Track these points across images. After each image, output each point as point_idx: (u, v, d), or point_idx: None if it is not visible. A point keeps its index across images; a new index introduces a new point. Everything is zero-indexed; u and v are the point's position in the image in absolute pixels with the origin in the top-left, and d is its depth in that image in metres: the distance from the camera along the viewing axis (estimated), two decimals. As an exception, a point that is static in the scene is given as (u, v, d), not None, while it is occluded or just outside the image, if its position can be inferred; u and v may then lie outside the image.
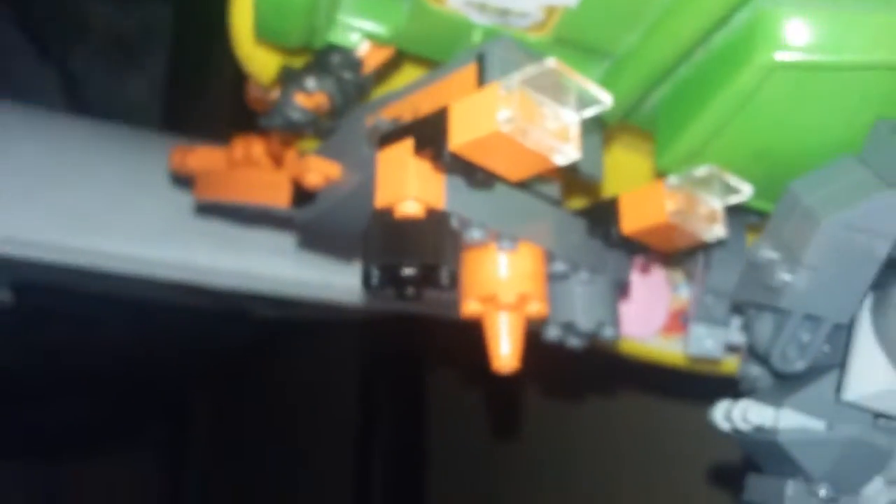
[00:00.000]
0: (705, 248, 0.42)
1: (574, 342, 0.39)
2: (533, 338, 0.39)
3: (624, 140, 0.43)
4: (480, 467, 1.06)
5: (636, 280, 0.49)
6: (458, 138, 0.29)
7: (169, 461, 1.65)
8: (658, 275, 0.49)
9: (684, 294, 0.49)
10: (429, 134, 0.30)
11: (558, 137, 0.30)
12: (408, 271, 0.30)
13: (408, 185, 0.31)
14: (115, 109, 1.19)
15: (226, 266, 0.59)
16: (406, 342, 1.14)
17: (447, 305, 0.37)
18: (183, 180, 0.50)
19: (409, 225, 0.30)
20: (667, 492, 0.75)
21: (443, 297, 0.35)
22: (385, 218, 0.31)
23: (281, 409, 1.41)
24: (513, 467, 1.00)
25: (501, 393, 0.98)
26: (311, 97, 0.37)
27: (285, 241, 0.58)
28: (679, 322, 0.49)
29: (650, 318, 0.49)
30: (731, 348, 0.43)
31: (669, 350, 0.48)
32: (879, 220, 0.31)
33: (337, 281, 0.58)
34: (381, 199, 0.31)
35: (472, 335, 0.37)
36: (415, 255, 0.30)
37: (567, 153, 0.30)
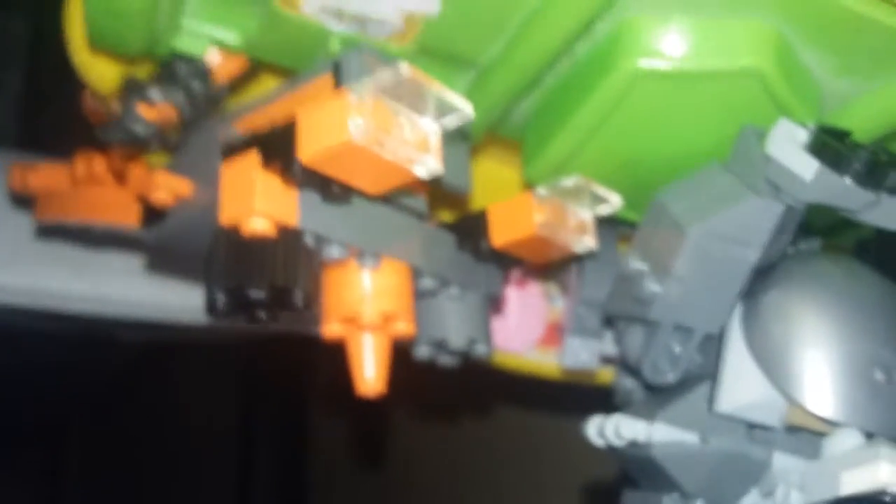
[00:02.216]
0: (578, 259, 0.41)
1: (446, 360, 0.38)
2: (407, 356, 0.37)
3: (496, 153, 0.42)
4: (361, 491, 1.04)
5: (513, 294, 0.48)
6: (308, 150, 0.27)
7: (43, 489, 1.57)
8: (535, 288, 0.48)
9: (560, 306, 0.48)
10: (277, 146, 0.28)
11: (418, 148, 0.28)
12: (255, 294, 0.28)
13: (255, 201, 0.28)
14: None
15: (78, 291, 0.55)
16: (286, 364, 1.11)
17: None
18: (25, 200, 0.46)
19: (257, 243, 0.28)
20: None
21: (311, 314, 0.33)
22: (231, 236, 0.28)
23: (158, 434, 1.35)
24: (395, 490, 0.98)
25: (381, 414, 0.97)
26: (155, 109, 0.34)
27: (139, 263, 0.54)
28: (556, 334, 0.48)
29: (527, 332, 0.48)
30: (606, 359, 0.42)
31: (546, 363, 0.47)
32: (745, 227, 0.31)
33: (198, 303, 0.55)
34: (226, 216, 0.29)
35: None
36: (264, 277, 0.28)
37: (428, 165, 0.28)
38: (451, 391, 0.64)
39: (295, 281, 0.29)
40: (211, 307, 0.28)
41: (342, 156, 0.27)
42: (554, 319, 0.48)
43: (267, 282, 0.28)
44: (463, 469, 0.87)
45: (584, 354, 0.42)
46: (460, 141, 0.35)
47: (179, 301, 0.55)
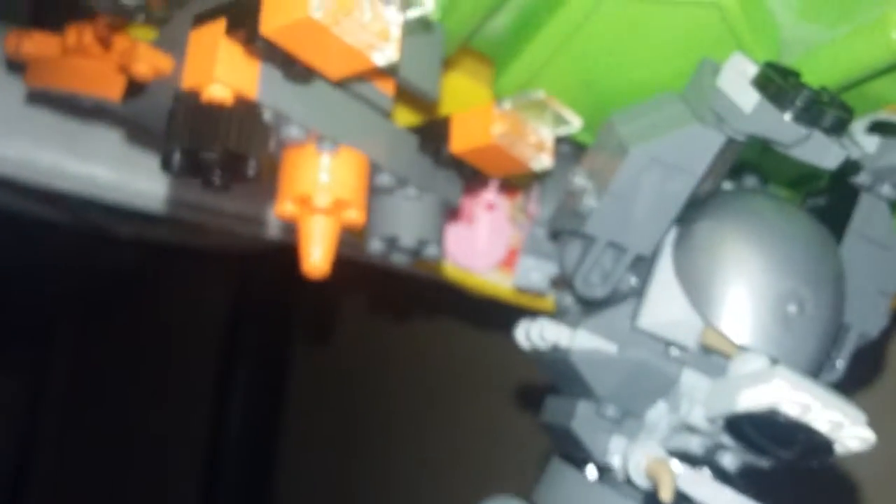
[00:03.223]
0: (541, 181, 0.43)
1: (398, 258, 0.39)
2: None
3: (472, 68, 0.43)
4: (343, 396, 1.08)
5: (483, 216, 0.49)
6: (270, 22, 0.29)
7: (30, 386, 1.60)
8: (502, 211, 0.50)
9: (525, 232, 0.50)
10: (243, 16, 0.29)
11: (378, 36, 0.29)
12: (209, 155, 0.29)
13: (216, 68, 0.30)
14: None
15: (69, 168, 0.56)
16: (275, 281, 1.13)
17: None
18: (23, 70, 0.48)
19: (216, 109, 0.30)
20: (478, 412, 0.79)
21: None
22: (191, 100, 0.30)
23: (146, 341, 1.38)
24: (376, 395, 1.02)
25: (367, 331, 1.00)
26: (143, -19, 0.36)
27: (134, 151, 0.56)
28: (515, 259, 0.49)
29: (491, 254, 0.49)
30: (556, 282, 0.44)
31: (502, 285, 0.49)
32: (685, 154, 0.32)
33: (183, 196, 0.57)
34: (188, 80, 0.30)
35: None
36: (219, 140, 0.29)
37: (386, 53, 0.30)
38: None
39: (249, 150, 0.30)
40: (166, 164, 0.30)
41: (301, 32, 0.28)
42: (516, 245, 0.50)
43: (221, 145, 0.29)
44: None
45: (535, 275, 0.44)
46: (433, 47, 0.36)
47: (166, 192, 0.56)
